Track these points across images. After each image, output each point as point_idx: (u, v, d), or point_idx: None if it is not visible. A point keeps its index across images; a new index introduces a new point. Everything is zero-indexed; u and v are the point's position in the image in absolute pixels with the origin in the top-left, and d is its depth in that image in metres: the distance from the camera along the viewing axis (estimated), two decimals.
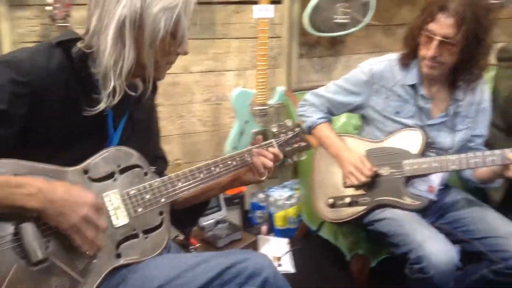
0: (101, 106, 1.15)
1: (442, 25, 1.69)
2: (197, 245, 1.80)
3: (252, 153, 1.39)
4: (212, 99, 2.66)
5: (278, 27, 2.67)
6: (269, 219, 2.66)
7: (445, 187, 1.98)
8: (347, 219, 1.87)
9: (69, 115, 1.16)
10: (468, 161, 1.74)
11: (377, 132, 1.96)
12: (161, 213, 1.27)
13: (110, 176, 1.21)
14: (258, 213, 2.68)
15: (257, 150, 1.40)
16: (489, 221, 1.79)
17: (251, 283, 1.15)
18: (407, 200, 1.81)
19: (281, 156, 1.44)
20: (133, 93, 1.20)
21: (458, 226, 1.84)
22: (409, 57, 1.89)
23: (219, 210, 2.11)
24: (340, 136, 2.00)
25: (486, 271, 1.75)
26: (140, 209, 1.23)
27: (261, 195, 2.71)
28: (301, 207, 2.60)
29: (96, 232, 1.11)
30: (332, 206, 1.91)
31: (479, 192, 2.07)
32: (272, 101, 2.56)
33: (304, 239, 2.63)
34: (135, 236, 1.22)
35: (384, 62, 1.93)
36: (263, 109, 2.53)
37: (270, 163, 1.39)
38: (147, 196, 1.24)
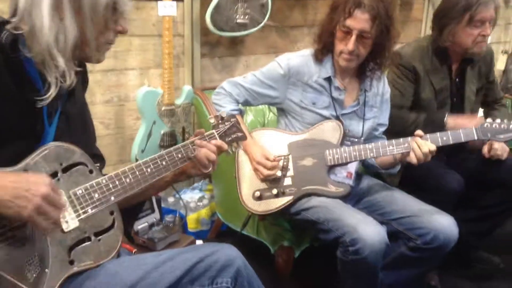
0: (52, 92, 1.05)
1: (359, 21, 1.80)
2: (134, 250, 1.68)
3: (195, 145, 1.35)
4: (114, 99, 2.51)
5: (180, 25, 2.62)
6: (181, 223, 2.57)
7: (357, 175, 2.10)
8: (276, 210, 1.89)
9: (2, 109, 1.02)
10: (384, 149, 1.87)
11: (296, 123, 2.02)
12: (111, 213, 1.16)
13: (53, 176, 1.09)
14: (168, 217, 2.57)
15: (200, 142, 1.36)
16: (402, 203, 1.93)
17: (224, 275, 1.11)
18: (332, 188, 1.89)
19: (225, 147, 1.41)
20: (66, 82, 1.10)
21: (374, 210, 1.96)
22: (322, 52, 1.98)
23: (152, 212, 1.99)
24: (262, 130, 2.03)
25: (403, 248, 1.90)
26: (89, 210, 1.11)
27: (171, 199, 2.62)
28: (216, 207, 2.57)
29: (59, 212, 1.00)
30: (259, 198, 1.91)
31: (382, 178, 2.24)
32: (180, 101, 2.50)
33: (217, 239, 2.60)
34: (87, 239, 1.11)
35: (300, 58, 2.00)
36: (171, 109, 2.45)
37: (213, 156, 1.35)
38: (96, 195, 1.13)
